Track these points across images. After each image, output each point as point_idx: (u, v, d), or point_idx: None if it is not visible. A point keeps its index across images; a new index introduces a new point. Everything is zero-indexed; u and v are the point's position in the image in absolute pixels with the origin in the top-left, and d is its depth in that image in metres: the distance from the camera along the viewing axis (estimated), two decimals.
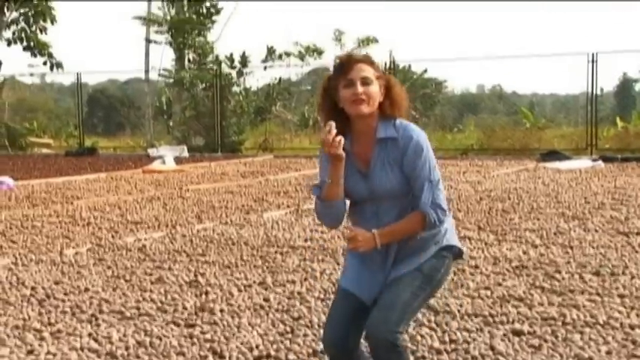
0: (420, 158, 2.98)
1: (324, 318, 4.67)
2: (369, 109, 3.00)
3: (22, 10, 24.63)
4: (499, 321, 4.61)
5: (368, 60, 3.05)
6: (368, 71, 3.00)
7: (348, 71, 2.99)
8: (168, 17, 23.52)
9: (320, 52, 24.34)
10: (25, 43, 24.63)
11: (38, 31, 24.74)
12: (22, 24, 24.67)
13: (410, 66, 26.16)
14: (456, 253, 3.16)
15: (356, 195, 3.07)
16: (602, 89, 34.96)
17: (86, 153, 21.30)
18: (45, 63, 25.07)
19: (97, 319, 4.85)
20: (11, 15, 24.66)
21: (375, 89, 3.00)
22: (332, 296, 5.13)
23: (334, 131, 2.91)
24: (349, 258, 3.18)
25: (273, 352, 4.17)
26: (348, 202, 3.11)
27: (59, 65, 25.07)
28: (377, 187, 3.02)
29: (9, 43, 24.71)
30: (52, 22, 24.82)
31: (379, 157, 3.03)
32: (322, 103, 3.10)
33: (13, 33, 24.69)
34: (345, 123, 3.04)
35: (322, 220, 3.15)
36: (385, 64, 19.35)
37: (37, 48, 24.69)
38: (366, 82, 2.99)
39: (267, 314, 4.86)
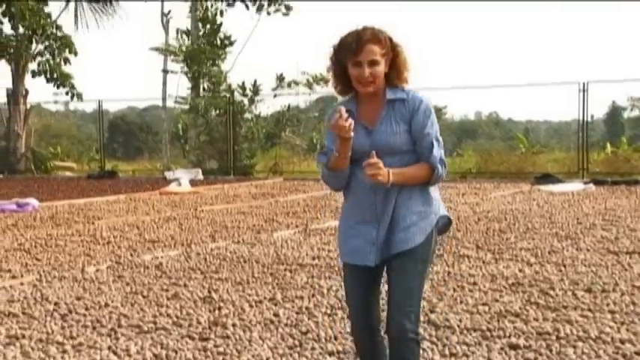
0: (429, 119, 3.05)
1: (331, 332, 4.67)
2: (375, 87, 3.04)
3: (47, 43, 24.81)
4: (496, 335, 4.59)
5: (376, 38, 3.01)
6: (375, 52, 2.99)
7: (357, 52, 2.98)
8: (184, 48, 23.63)
9: (327, 81, 24.34)
10: (48, 75, 24.75)
11: (62, 62, 24.88)
12: (47, 56, 24.84)
13: None
14: (444, 224, 3.19)
15: (357, 149, 3.04)
16: (592, 116, 34.80)
17: (107, 176, 21.32)
18: (67, 93, 25.22)
19: (116, 332, 4.85)
20: (37, 48, 24.84)
21: (381, 69, 3.02)
22: (338, 312, 5.14)
23: (345, 115, 2.92)
24: (341, 229, 3.22)
25: None
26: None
27: (79, 96, 25.22)
28: (378, 141, 3.04)
29: (34, 75, 24.87)
30: (76, 54, 25.00)
31: (387, 115, 3.06)
32: (333, 66, 3.12)
33: (38, 65, 24.85)
34: (353, 87, 3.08)
35: (328, 184, 3.19)
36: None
37: (60, 79, 24.83)
38: (373, 63, 2.99)
39: (277, 329, 4.85)
